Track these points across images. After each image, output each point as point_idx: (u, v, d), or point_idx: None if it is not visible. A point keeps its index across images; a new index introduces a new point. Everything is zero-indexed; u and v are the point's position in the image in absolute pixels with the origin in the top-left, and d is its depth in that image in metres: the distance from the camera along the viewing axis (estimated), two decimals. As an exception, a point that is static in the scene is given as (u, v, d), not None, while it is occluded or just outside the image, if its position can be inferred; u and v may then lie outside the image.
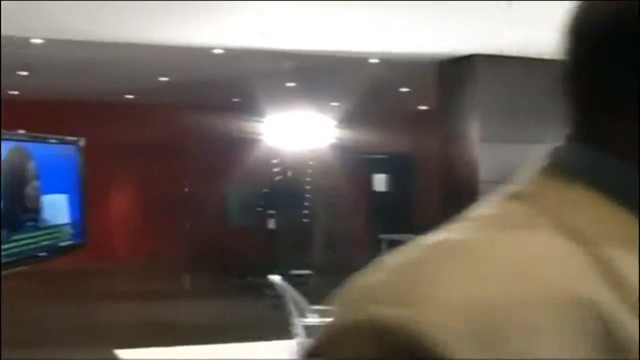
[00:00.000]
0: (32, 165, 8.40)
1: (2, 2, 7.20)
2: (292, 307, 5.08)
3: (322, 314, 5.22)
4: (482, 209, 0.82)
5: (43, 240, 8.07)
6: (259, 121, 13.22)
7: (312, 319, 5.03)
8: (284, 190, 13.37)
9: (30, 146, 8.56)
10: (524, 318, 0.67)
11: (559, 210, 0.77)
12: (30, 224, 7.95)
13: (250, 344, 8.22)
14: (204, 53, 10.47)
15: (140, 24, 8.79)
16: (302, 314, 5.04)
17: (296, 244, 13.23)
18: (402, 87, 14.10)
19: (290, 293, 5.10)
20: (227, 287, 12.45)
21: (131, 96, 15.40)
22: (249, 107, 13.62)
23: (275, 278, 5.19)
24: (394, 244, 10.04)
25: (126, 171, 16.28)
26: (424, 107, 16.25)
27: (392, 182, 18.71)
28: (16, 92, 14.45)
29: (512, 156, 10.63)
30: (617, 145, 0.79)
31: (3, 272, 6.54)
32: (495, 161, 10.55)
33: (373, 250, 13.22)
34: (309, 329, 5.03)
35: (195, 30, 9.19)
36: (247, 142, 14.32)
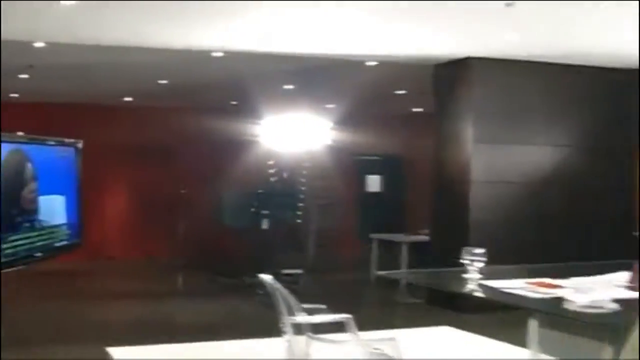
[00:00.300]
0: (30, 167, 8.40)
1: (4, 7, 7.21)
2: (281, 306, 5.08)
3: (311, 312, 5.23)
4: None
5: (39, 241, 8.08)
6: (256, 123, 13.21)
7: (301, 317, 5.03)
8: (279, 191, 13.37)
9: (28, 148, 8.56)
10: None
11: None
12: (27, 224, 7.96)
13: (241, 341, 8.28)
14: (203, 56, 10.48)
15: (141, 27, 8.81)
16: (291, 312, 5.04)
17: (289, 244, 13.26)
18: (398, 89, 14.10)
19: (280, 292, 5.09)
20: (220, 287, 12.46)
21: (130, 99, 15.41)
22: (247, 109, 13.62)
23: (266, 277, 5.19)
24: (384, 244, 10.07)
25: (124, 172, 16.28)
26: (418, 109, 16.25)
27: (385, 183, 18.76)
28: (17, 95, 14.44)
29: (505, 157, 10.69)
30: None
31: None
32: (487, 162, 10.59)
33: (364, 250, 13.22)
34: (297, 327, 5.04)
35: (195, 34, 9.21)
36: (243, 144, 14.31)
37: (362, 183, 18.47)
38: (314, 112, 13.15)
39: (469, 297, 4.81)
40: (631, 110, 11.62)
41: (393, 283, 11.08)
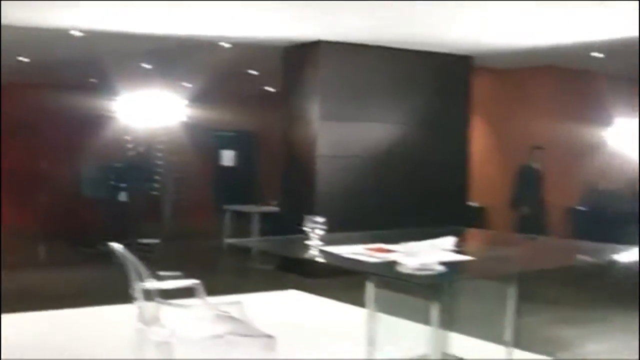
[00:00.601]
0: None
1: None
2: (131, 273, 4.95)
3: (166, 279, 5.12)
4: None
5: None
6: (113, 100, 12.94)
7: (149, 283, 4.92)
8: (136, 165, 13.22)
9: None
10: None
11: None
12: None
13: (95, 308, 8.12)
14: (62, 35, 10.19)
15: (2, 6, 8.44)
16: (141, 279, 4.93)
17: (146, 215, 13.07)
18: (251, 69, 14.05)
19: (130, 260, 4.96)
20: (80, 256, 12.18)
21: (-8, 76, 14.84)
22: (105, 86, 13.35)
23: (116, 246, 5.04)
24: (237, 214, 10.03)
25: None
26: (270, 89, 16.25)
27: (239, 158, 18.76)
28: None
29: (349, 133, 10.80)
30: None
31: None
32: (332, 138, 10.67)
33: (218, 220, 13.17)
34: (148, 293, 4.93)
35: (55, 13, 8.94)
36: (102, 120, 14.02)
37: (217, 157, 18.43)
38: (171, 90, 12.98)
39: (312, 262, 4.81)
40: (464, 90, 11.94)
41: (245, 251, 11.06)
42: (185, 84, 14.22)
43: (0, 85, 10.73)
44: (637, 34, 9.43)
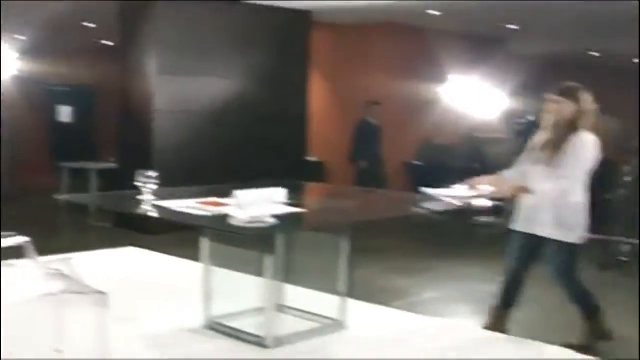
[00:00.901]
0: None
1: None
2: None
3: (-2, 239, 4.94)
4: None
5: None
6: (-61, 53, 12.34)
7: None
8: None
9: None
10: None
11: None
12: None
13: None
14: None
15: None
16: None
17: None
18: (87, 22, 13.65)
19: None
20: None
21: None
22: None
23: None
24: (75, 172, 9.76)
25: None
26: (108, 42, 15.85)
27: (75, 113, 18.29)
28: None
29: (187, 88, 10.69)
30: None
31: None
32: (170, 92, 10.54)
33: (54, 178, 12.82)
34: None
35: None
36: None
37: (52, 113, 17.91)
38: (2, 43, 12.46)
39: (150, 219, 4.76)
40: (303, 46, 12.02)
41: (83, 208, 10.81)
42: (17, 36, 13.68)
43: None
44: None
